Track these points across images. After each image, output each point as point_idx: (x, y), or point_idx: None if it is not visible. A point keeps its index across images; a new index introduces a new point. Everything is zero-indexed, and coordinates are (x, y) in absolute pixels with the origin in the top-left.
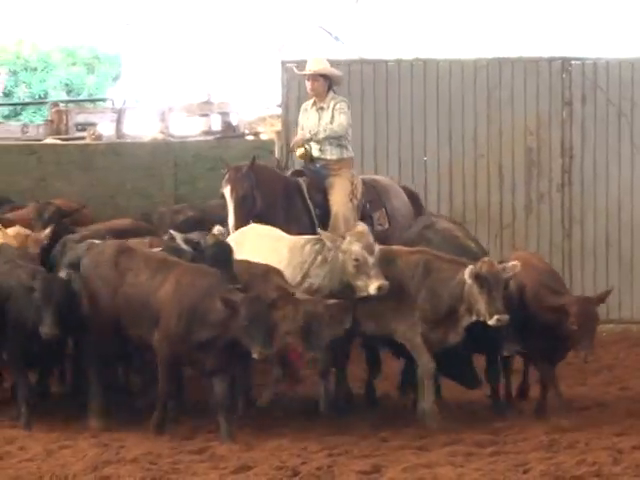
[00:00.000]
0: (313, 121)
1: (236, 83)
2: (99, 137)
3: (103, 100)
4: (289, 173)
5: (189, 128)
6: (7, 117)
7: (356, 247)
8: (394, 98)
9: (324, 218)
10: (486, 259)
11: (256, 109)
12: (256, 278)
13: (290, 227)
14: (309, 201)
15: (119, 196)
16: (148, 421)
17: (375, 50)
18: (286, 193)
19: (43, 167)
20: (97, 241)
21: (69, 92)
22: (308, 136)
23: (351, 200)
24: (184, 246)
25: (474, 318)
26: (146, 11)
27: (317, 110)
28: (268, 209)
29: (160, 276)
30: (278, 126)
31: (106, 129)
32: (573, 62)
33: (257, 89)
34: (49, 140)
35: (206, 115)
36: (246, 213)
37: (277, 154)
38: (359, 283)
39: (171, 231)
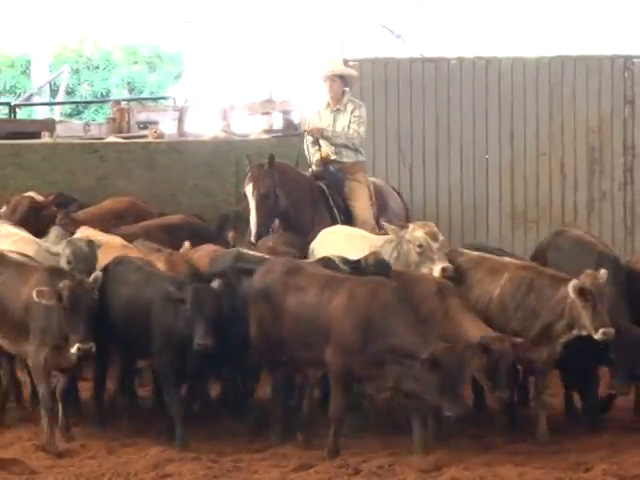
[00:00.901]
0: (326, 123)
1: (298, 81)
2: (161, 135)
3: (165, 98)
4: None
5: (251, 126)
6: (69, 115)
7: (419, 233)
8: (456, 96)
9: (347, 223)
10: (589, 272)
11: (317, 107)
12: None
13: (315, 230)
14: (334, 207)
15: (181, 194)
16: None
17: (437, 48)
18: (311, 194)
19: (105, 165)
20: (247, 251)
21: (131, 90)
22: (327, 134)
23: (372, 206)
24: (342, 266)
25: (575, 333)
26: (208, 9)
27: (332, 112)
28: (295, 208)
29: (330, 291)
30: None
31: (168, 127)
32: (635, 60)
33: (319, 87)
34: (111, 138)
35: (268, 113)
36: (268, 211)
37: None
38: (424, 270)
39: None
